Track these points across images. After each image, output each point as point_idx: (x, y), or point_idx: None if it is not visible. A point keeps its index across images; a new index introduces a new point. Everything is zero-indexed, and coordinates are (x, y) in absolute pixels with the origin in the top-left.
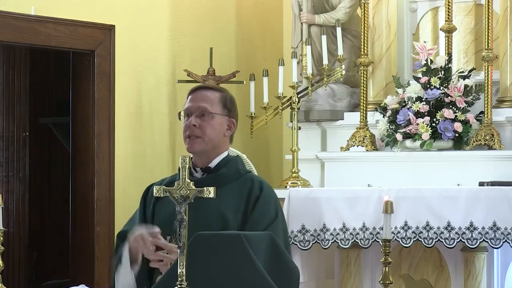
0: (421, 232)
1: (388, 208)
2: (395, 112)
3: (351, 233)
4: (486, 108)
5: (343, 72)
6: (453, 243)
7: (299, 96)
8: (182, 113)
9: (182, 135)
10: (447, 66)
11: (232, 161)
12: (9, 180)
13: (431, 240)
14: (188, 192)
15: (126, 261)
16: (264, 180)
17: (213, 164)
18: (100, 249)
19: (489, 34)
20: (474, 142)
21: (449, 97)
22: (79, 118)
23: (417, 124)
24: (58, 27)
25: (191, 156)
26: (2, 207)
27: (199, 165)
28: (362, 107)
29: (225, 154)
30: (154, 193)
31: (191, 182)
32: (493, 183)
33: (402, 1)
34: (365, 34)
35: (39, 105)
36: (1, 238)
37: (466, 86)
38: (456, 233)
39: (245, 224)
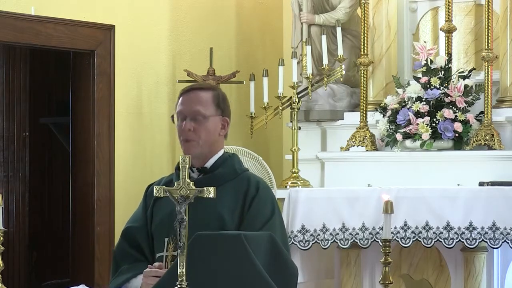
0: (420, 232)
1: (388, 208)
2: (395, 112)
3: (350, 233)
4: (486, 108)
5: (343, 72)
6: (452, 243)
7: (299, 96)
8: (176, 116)
9: (178, 138)
10: (447, 66)
11: (229, 160)
12: (9, 180)
13: (431, 240)
14: (188, 192)
15: None
16: (262, 179)
17: (209, 164)
18: (100, 249)
19: (489, 34)
20: (474, 142)
21: (449, 97)
22: (79, 118)
23: (417, 124)
24: (58, 27)
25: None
26: (2, 207)
27: (196, 165)
28: (362, 107)
29: (221, 153)
30: (154, 193)
31: (191, 182)
32: (493, 183)
33: (402, 1)
34: (365, 34)
35: (39, 105)
36: (1, 238)
37: (466, 86)
38: (455, 233)
39: (242, 223)
